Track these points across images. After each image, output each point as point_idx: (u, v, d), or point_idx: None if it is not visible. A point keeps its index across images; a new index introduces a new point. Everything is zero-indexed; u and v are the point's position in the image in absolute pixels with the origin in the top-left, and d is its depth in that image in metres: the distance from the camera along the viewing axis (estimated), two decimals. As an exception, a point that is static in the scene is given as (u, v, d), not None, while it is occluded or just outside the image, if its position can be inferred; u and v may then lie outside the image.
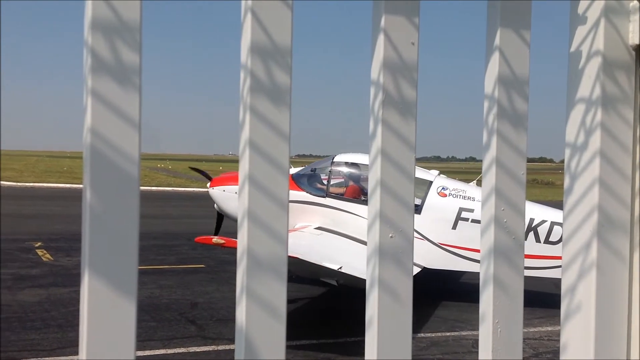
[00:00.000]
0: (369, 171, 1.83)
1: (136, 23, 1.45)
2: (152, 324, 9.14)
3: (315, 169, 12.68)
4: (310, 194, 11.84)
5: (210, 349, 8.31)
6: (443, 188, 11.52)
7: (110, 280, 1.44)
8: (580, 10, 2.10)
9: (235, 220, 13.03)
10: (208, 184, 13.32)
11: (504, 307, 1.95)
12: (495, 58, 1.95)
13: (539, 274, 9.90)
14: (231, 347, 8.27)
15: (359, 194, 11.93)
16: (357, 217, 11.42)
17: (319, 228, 11.49)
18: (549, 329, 9.80)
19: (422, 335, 9.23)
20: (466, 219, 11.09)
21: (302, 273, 9.45)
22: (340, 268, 8.73)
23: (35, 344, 8.11)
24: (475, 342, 9.05)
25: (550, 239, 10.48)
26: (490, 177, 1.95)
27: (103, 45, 1.42)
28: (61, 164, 75.30)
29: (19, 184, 39.89)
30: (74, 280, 11.73)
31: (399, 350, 1.81)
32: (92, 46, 1.41)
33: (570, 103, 2.11)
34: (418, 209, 11.20)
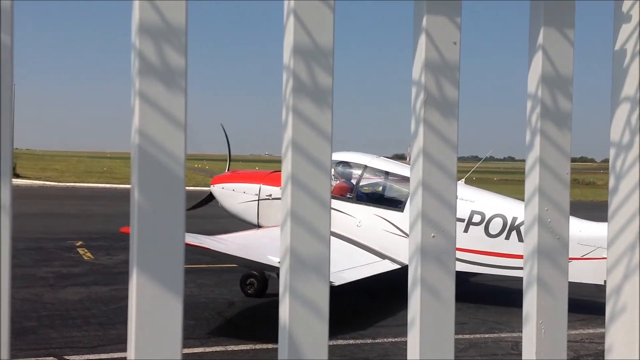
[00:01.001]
0: (411, 171, 1.83)
1: (182, 26, 1.48)
2: (191, 322, 9.23)
3: None
4: None
5: (248, 348, 8.35)
6: None
7: (157, 279, 1.46)
8: (625, 8, 2.07)
9: (232, 216, 13.55)
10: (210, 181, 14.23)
11: (548, 308, 1.94)
12: (539, 57, 1.93)
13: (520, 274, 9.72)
14: (268, 346, 8.31)
15: (345, 192, 12.11)
16: (342, 214, 11.64)
17: None
18: (591, 331, 9.63)
19: (461, 336, 9.15)
20: None
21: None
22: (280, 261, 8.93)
23: (76, 341, 8.24)
24: (515, 344, 8.95)
25: None
26: (533, 177, 1.93)
27: (150, 49, 1.45)
28: (101, 164, 76.60)
29: (60, 183, 40.75)
30: (114, 279, 11.91)
31: (442, 350, 1.81)
32: (139, 49, 1.45)
33: (615, 102, 2.08)
34: (401, 207, 11.44)
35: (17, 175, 40.32)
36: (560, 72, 1.95)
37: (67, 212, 23.84)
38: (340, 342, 8.52)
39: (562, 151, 1.96)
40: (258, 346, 8.41)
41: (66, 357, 7.63)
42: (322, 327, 1.67)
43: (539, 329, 1.94)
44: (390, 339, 8.77)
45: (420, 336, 1.81)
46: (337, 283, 9.13)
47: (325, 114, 1.68)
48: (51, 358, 7.55)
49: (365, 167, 12.13)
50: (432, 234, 1.81)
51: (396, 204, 11.69)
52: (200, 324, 9.28)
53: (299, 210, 1.66)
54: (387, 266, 10.83)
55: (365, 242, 11.40)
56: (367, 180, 12.42)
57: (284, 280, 1.66)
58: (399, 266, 10.82)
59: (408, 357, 1.85)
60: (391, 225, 11.38)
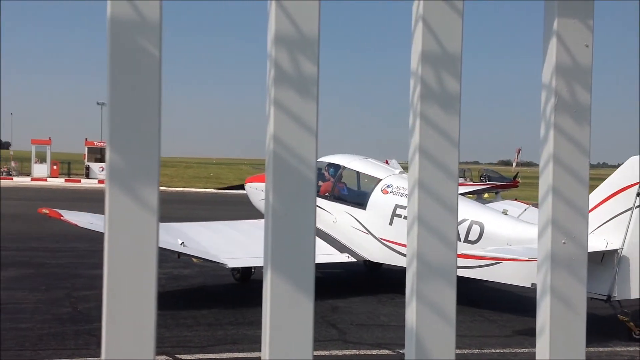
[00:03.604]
0: (540, 176, 1.80)
1: (315, 36, 1.52)
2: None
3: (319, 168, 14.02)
4: None
5: (352, 353, 8.38)
6: (388, 185, 12.23)
7: (290, 280, 1.51)
8: None
9: (258, 211, 14.68)
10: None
11: None
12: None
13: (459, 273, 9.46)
14: (372, 352, 8.32)
15: (328, 191, 12.97)
16: (324, 211, 12.50)
17: None
18: None
19: (572, 349, 8.82)
20: (400, 216, 11.59)
21: None
22: (182, 243, 10.22)
23: (187, 340, 8.53)
24: (631, 358, 8.54)
25: (468, 238, 10.43)
26: None
27: (286, 58, 1.51)
28: (208, 170, 79.13)
29: (170, 188, 42.45)
30: (221, 280, 12.30)
31: (573, 358, 1.76)
32: (275, 59, 1.50)
33: None
34: (364, 206, 12.27)
35: (130, 181, 42.22)
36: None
37: (177, 216, 24.72)
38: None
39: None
40: (362, 352, 8.44)
41: (178, 355, 7.92)
42: (449, 330, 1.67)
43: None
44: (498, 350, 8.58)
45: (550, 345, 1.78)
46: (229, 265, 10.42)
47: (453, 119, 1.68)
48: (164, 357, 7.85)
49: (344, 168, 13.05)
50: (563, 241, 1.77)
51: (361, 203, 12.38)
52: (306, 327, 9.41)
53: (425, 215, 1.67)
54: (340, 258, 11.82)
55: (338, 237, 12.24)
56: (344, 180, 13.27)
57: (410, 284, 1.67)
58: (355, 260, 11.94)
59: (537, 366, 1.82)
60: (357, 222, 12.21)
